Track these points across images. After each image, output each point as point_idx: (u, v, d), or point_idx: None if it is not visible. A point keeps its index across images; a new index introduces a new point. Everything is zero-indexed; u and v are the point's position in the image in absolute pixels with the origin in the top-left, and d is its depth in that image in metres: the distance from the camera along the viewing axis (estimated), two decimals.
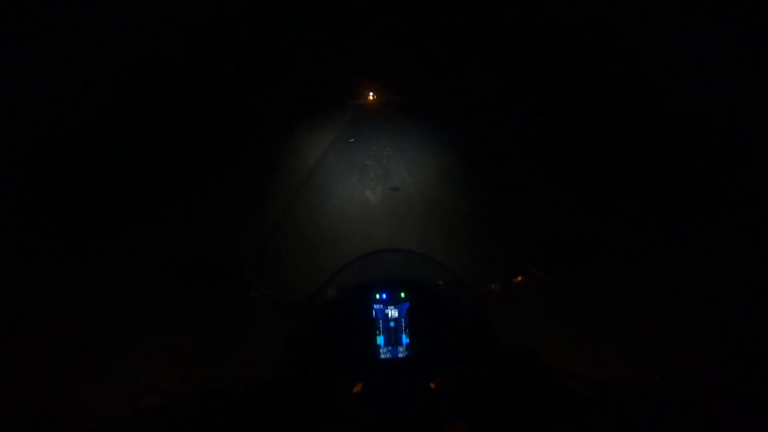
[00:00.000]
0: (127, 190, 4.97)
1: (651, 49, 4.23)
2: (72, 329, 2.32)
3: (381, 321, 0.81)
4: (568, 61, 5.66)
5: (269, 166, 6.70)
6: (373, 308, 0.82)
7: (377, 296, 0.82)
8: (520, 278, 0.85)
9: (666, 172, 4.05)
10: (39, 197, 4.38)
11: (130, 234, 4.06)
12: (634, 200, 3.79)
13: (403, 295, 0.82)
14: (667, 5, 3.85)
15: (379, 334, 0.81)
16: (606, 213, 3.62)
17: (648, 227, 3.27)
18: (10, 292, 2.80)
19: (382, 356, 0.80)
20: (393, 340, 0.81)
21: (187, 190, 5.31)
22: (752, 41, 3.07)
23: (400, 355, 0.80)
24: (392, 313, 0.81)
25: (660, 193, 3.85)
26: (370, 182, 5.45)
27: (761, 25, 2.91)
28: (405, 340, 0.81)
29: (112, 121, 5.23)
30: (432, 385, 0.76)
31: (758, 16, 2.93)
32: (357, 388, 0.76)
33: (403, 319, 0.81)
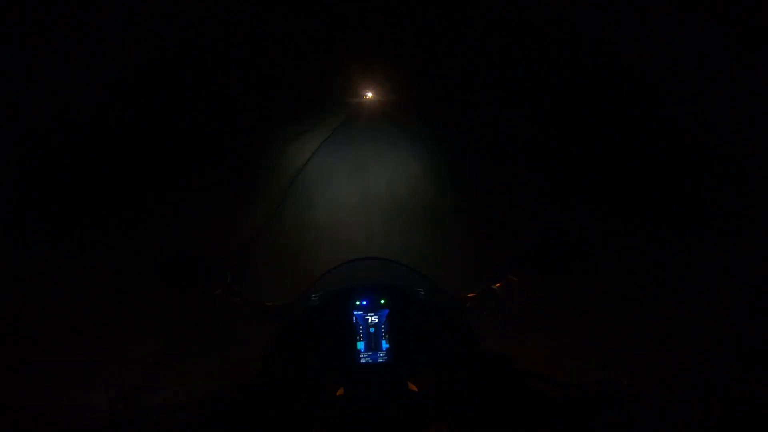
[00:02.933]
0: (109, 186, 4.87)
1: (644, 53, 4.31)
2: (52, 329, 2.28)
3: (361, 327, 0.83)
4: (560, 64, 5.72)
5: (255, 164, 6.65)
6: (353, 314, 0.83)
7: (358, 302, 0.84)
8: (497, 285, 0.87)
9: (650, 176, 4.15)
10: (15, 193, 4.26)
11: (112, 231, 3.99)
12: (613, 204, 3.90)
13: (383, 301, 0.84)
14: (658, 12, 3.93)
15: (360, 340, 0.83)
16: (587, 217, 3.71)
17: (625, 232, 3.37)
18: None
19: (363, 361, 0.82)
20: (373, 345, 0.83)
21: (170, 188, 5.23)
22: (744, 48, 3.14)
23: (380, 359, 0.82)
24: (372, 318, 0.83)
25: (639, 198, 3.95)
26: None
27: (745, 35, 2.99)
28: (385, 345, 0.83)
29: (94, 115, 5.12)
30: (412, 389, 0.78)
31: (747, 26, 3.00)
32: (339, 392, 0.78)
33: (383, 325, 0.83)
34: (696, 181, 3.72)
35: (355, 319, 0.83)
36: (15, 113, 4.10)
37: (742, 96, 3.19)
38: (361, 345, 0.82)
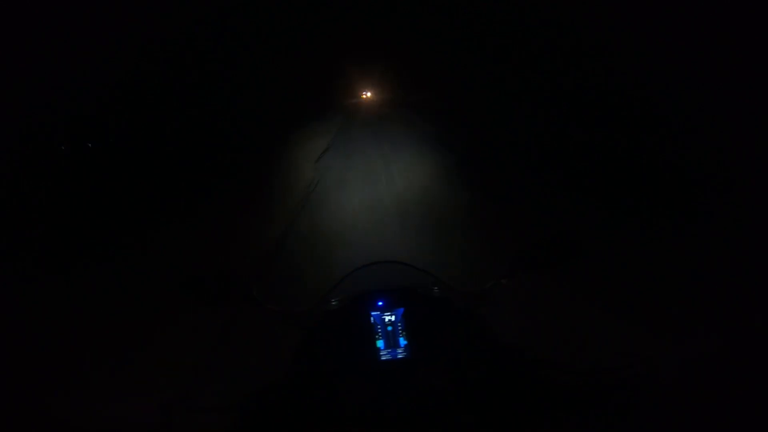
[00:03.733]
0: (132, 201, 5.04)
1: (645, 55, 4.29)
2: (93, 341, 2.41)
3: (379, 326, 0.88)
4: (565, 63, 5.70)
5: (270, 173, 6.76)
6: (371, 315, 0.88)
7: (375, 303, 0.89)
8: (507, 280, 0.91)
9: (655, 170, 4.12)
10: (49, 208, 4.46)
11: (139, 244, 4.15)
12: (622, 198, 3.87)
13: (398, 301, 0.89)
14: (658, 11, 3.91)
15: (379, 338, 0.87)
16: (595, 209, 3.69)
17: (634, 224, 3.35)
18: (27, 304, 2.91)
19: (383, 358, 0.87)
20: (392, 343, 0.87)
21: (191, 200, 5.38)
22: (737, 48, 3.15)
23: (399, 356, 0.87)
24: (389, 318, 0.88)
25: (647, 191, 3.92)
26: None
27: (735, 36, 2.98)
28: (403, 342, 0.87)
29: (114, 130, 5.33)
30: (430, 383, 0.83)
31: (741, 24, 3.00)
32: (363, 390, 0.83)
33: (399, 323, 0.88)
34: (702, 175, 3.69)
35: (373, 319, 0.88)
36: (37, 128, 4.29)
37: (740, 98, 3.18)
38: (380, 343, 0.87)
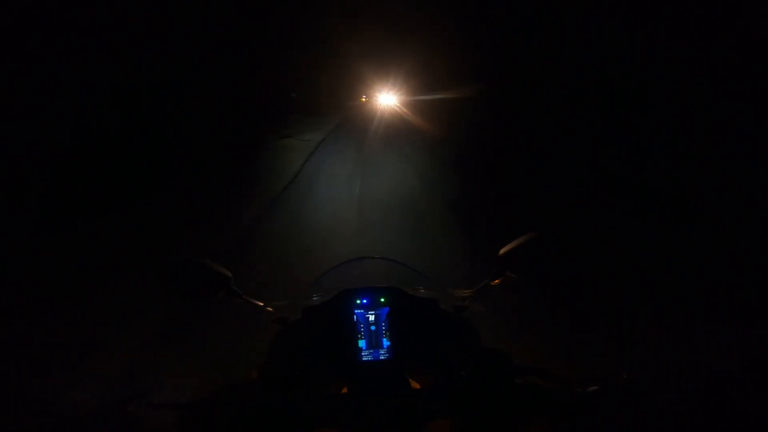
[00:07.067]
0: (106, 189, 4.88)
1: (644, 50, 4.34)
2: (57, 330, 2.30)
3: (362, 325, 0.84)
4: (561, 59, 5.72)
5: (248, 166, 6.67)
6: (354, 313, 0.85)
7: (358, 301, 0.85)
8: (496, 281, 0.88)
9: (645, 177, 4.18)
10: (17, 194, 4.27)
11: (110, 232, 4.01)
12: (613, 203, 3.91)
13: (383, 300, 0.85)
14: (660, 8, 3.95)
15: (361, 338, 0.84)
16: (585, 213, 3.72)
17: (625, 229, 3.38)
18: None
19: (365, 358, 0.83)
20: (374, 343, 0.84)
21: (167, 190, 5.24)
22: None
23: (382, 357, 0.83)
24: (373, 317, 0.85)
25: (636, 196, 3.97)
26: None
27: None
28: (386, 342, 0.84)
29: (90, 117, 5.14)
30: (413, 385, 0.80)
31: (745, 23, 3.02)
32: (342, 390, 0.79)
33: (383, 323, 0.84)
34: (693, 179, 3.72)
35: (356, 317, 0.85)
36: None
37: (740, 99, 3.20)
38: (362, 343, 0.84)
